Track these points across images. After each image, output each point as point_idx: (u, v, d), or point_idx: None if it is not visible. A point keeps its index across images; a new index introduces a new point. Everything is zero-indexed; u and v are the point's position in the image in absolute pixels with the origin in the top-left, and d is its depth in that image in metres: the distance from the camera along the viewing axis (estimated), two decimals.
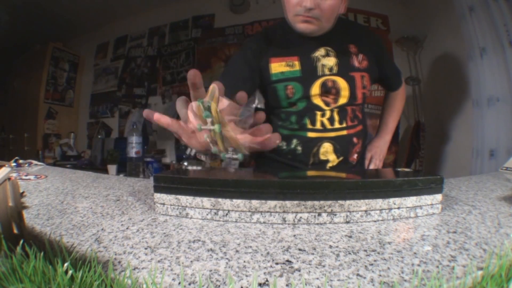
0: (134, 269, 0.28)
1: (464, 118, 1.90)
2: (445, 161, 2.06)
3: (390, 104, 1.04)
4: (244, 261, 0.29)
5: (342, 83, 0.81)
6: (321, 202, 0.40)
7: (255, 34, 0.89)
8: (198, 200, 0.42)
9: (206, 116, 0.31)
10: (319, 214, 0.40)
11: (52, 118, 3.44)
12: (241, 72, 0.81)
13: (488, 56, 1.55)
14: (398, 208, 0.42)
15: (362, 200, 0.41)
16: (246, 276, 0.27)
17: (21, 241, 0.27)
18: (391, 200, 0.42)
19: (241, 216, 0.41)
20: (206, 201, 0.42)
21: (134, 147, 1.87)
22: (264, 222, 0.41)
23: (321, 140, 0.83)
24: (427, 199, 0.44)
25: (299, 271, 0.27)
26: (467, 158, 1.71)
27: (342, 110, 0.83)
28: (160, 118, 0.37)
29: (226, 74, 0.83)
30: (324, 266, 0.28)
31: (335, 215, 0.41)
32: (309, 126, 0.82)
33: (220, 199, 0.41)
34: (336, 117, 0.83)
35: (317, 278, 0.26)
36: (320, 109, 0.82)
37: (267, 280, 0.26)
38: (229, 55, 2.94)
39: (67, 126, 3.53)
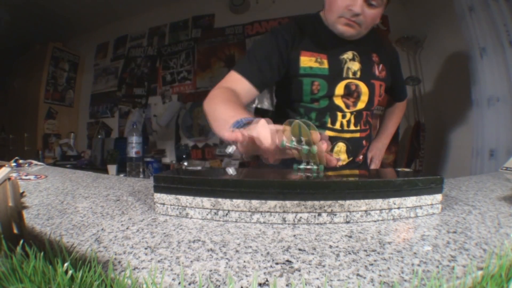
0: (134, 269, 0.28)
1: (464, 118, 1.90)
2: (445, 161, 2.06)
3: (393, 112, 1.12)
4: (244, 261, 0.29)
5: (363, 88, 0.84)
6: (321, 202, 0.40)
7: (288, 23, 0.87)
8: (198, 200, 0.42)
9: (306, 150, 0.42)
10: (319, 214, 0.40)
11: (52, 118, 3.44)
12: (270, 58, 0.80)
13: (488, 56, 1.55)
14: (398, 208, 0.42)
15: (362, 200, 0.41)
16: (246, 276, 0.27)
17: (21, 241, 0.27)
18: (391, 200, 0.42)
19: (241, 216, 0.41)
20: (206, 201, 0.42)
21: (134, 147, 1.87)
22: (264, 222, 0.41)
23: (336, 139, 0.85)
24: (427, 199, 0.44)
25: (299, 271, 0.27)
26: (467, 158, 1.71)
27: (358, 114, 0.86)
28: (230, 136, 0.44)
29: (253, 57, 0.81)
30: (324, 266, 0.28)
31: (335, 215, 0.41)
32: (329, 125, 0.84)
33: (220, 199, 0.41)
34: (352, 120, 0.85)
35: (317, 278, 0.26)
36: (341, 110, 0.84)
37: (267, 280, 0.26)
38: (229, 55, 2.94)
39: (67, 126, 3.53)
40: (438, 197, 0.45)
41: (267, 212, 0.41)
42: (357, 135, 0.86)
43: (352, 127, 0.85)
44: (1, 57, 3.44)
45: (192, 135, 3.03)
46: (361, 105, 0.85)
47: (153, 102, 3.24)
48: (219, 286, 0.25)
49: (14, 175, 0.30)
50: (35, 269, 0.24)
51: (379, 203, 0.41)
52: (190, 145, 3.02)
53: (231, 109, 0.63)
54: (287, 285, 0.25)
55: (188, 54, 3.09)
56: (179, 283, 0.25)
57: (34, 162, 1.03)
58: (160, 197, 0.45)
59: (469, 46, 1.65)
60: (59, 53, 3.47)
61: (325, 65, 0.82)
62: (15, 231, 0.29)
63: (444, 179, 0.46)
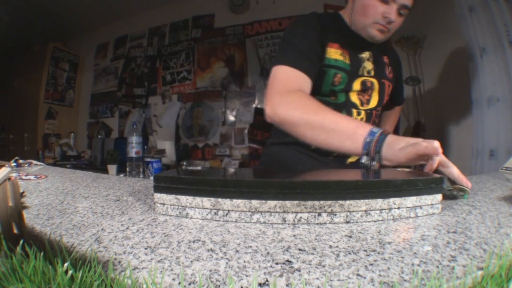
0: (134, 269, 0.28)
1: (464, 118, 1.90)
2: None
3: (390, 115, 1.15)
4: (244, 261, 0.29)
5: (376, 86, 0.87)
6: (321, 202, 0.40)
7: (311, 15, 0.86)
8: (198, 200, 0.42)
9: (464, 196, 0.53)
10: (319, 214, 0.40)
11: (52, 118, 3.44)
12: (313, 47, 0.79)
13: (488, 56, 1.55)
14: (398, 208, 0.42)
15: (362, 200, 0.41)
16: (246, 276, 0.27)
17: (21, 241, 0.27)
18: (391, 200, 0.42)
19: (241, 216, 0.41)
20: (206, 201, 0.42)
21: (134, 147, 1.87)
22: (264, 222, 0.41)
23: None
24: (427, 199, 0.44)
25: (299, 271, 0.27)
26: (467, 158, 1.71)
27: (370, 112, 0.88)
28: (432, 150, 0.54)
29: (298, 47, 0.78)
30: (324, 266, 0.28)
31: (335, 215, 0.41)
32: None
33: (220, 199, 0.41)
34: (365, 118, 0.87)
35: (317, 278, 0.26)
36: (356, 107, 0.85)
37: (267, 280, 0.26)
38: (229, 55, 2.94)
39: (67, 126, 3.54)
40: (438, 197, 0.45)
41: (267, 212, 0.41)
42: None
43: None
44: (1, 57, 3.44)
45: (192, 135, 3.04)
46: (373, 103, 0.87)
47: (153, 102, 3.24)
48: (219, 286, 0.25)
49: (14, 175, 0.30)
50: (35, 269, 0.24)
51: (379, 203, 0.41)
52: (190, 145, 3.02)
53: (345, 119, 0.65)
54: (287, 285, 0.25)
55: (188, 54, 3.09)
56: (179, 283, 0.25)
57: (34, 162, 1.03)
58: (160, 197, 0.45)
59: (469, 46, 1.65)
60: (59, 53, 3.47)
61: (348, 60, 0.83)
62: (15, 231, 0.29)
63: (444, 179, 0.46)
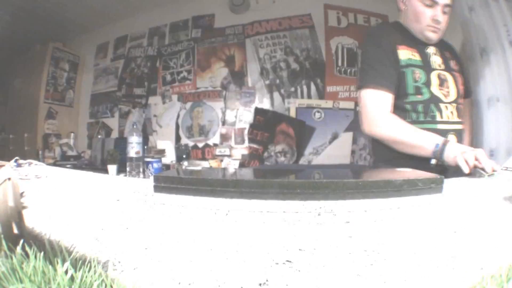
0: (134, 269, 0.28)
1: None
2: None
3: (466, 112, 1.15)
4: (244, 261, 0.29)
5: (450, 78, 0.94)
6: (321, 202, 0.40)
7: (380, 28, 0.99)
8: (198, 200, 0.42)
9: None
10: (319, 214, 0.40)
11: (52, 118, 3.44)
12: (389, 60, 0.90)
13: (488, 56, 1.55)
14: (398, 208, 0.42)
15: (362, 200, 0.41)
16: (246, 276, 0.27)
17: (21, 241, 0.27)
18: (391, 200, 0.42)
19: (241, 216, 0.41)
20: (206, 201, 0.42)
21: (134, 147, 1.87)
22: (264, 222, 0.41)
23: (447, 132, 0.92)
24: (427, 199, 0.44)
25: (299, 271, 0.27)
26: None
27: (457, 106, 0.94)
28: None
29: (376, 71, 0.90)
30: (324, 266, 0.28)
31: (335, 215, 0.41)
32: (438, 118, 0.91)
33: (220, 199, 0.41)
34: (454, 111, 0.94)
35: (317, 278, 0.26)
36: (442, 100, 0.92)
37: (267, 280, 0.26)
38: (229, 55, 2.94)
39: (67, 126, 3.53)
40: (438, 197, 0.45)
41: (267, 212, 0.41)
42: (461, 126, 0.95)
43: (456, 118, 0.93)
44: (1, 57, 3.44)
45: (192, 135, 3.03)
46: (453, 95, 0.93)
47: (153, 102, 3.24)
48: (219, 286, 0.25)
49: (14, 175, 0.30)
50: (35, 269, 0.24)
51: (379, 203, 0.41)
52: (190, 145, 3.02)
53: (420, 136, 0.84)
54: (287, 285, 0.25)
55: (188, 54, 3.09)
56: (179, 283, 0.25)
57: (34, 162, 1.02)
58: (160, 197, 0.45)
59: (469, 46, 1.64)
60: (59, 53, 3.47)
61: (417, 57, 0.92)
62: (15, 231, 0.29)
63: (444, 179, 0.46)
